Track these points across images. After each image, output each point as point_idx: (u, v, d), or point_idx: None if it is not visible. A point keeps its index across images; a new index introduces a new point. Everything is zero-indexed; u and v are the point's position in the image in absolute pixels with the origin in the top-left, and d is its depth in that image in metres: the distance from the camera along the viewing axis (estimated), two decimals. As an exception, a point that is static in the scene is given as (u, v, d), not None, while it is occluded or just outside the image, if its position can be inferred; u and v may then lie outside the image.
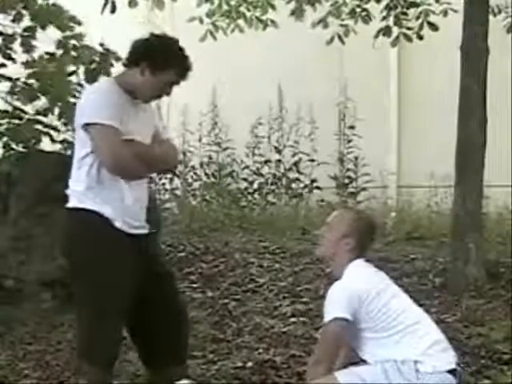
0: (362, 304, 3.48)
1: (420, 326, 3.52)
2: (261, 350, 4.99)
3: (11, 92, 6.32)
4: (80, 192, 3.74)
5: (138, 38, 3.84)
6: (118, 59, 6.05)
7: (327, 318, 3.51)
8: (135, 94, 3.81)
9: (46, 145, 6.45)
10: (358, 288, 3.51)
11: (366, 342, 3.52)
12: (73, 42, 6.44)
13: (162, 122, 4.12)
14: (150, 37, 3.85)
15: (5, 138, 6.26)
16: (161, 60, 3.75)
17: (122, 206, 3.72)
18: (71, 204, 3.78)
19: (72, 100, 6.27)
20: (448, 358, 3.48)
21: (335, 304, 3.50)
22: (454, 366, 3.46)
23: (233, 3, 7.84)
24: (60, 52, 6.44)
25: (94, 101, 3.73)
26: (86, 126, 3.68)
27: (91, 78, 6.18)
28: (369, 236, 3.73)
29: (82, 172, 3.73)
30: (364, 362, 3.54)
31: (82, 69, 6.38)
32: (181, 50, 3.83)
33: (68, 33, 6.42)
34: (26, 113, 6.38)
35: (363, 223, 3.72)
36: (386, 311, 3.49)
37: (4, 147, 6.31)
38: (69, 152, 6.31)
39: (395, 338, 3.47)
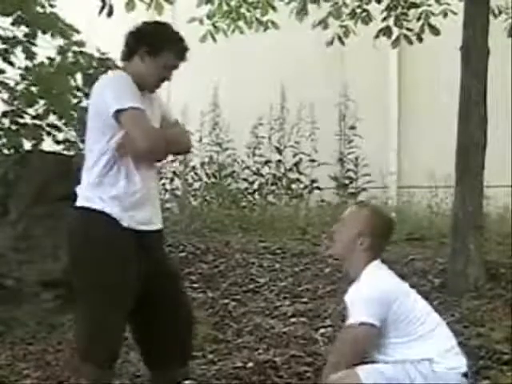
0: (391, 308, 3.39)
1: (438, 331, 3.50)
2: (261, 351, 4.99)
3: (11, 98, 6.34)
4: (89, 191, 3.73)
5: (130, 30, 3.85)
6: (115, 66, 6.07)
7: (353, 320, 3.40)
8: (139, 85, 3.80)
9: (46, 145, 6.46)
10: (388, 291, 3.44)
11: (387, 345, 3.44)
12: (74, 48, 6.47)
13: (167, 107, 4.12)
14: (142, 24, 3.87)
15: (4, 140, 6.29)
16: (157, 42, 3.77)
17: (134, 201, 3.72)
18: (79, 203, 3.77)
19: (73, 101, 6.30)
20: (461, 362, 3.47)
21: (363, 307, 3.38)
22: (466, 369, 3.46)
23: (233, 4, 7.85)
24: (59, 58, 6.47)
25: (119, 88, 3.69)
26: (117, 113, 3.63)
27: (89, 82, 6.19)
28: (385, 235, 3.59)
29: (96, 171, 3.71)
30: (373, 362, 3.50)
31: (79, 74, 6.42)
32: (175, 32, 3.85)
33: (67, 40, 6.46)
34: (27, 113, 6.39)
35: (379, 221, 3.57)
36: (412, 315, 3.44)
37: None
38: (71, 152, 6.35)
39: (418, 341, 3.42)
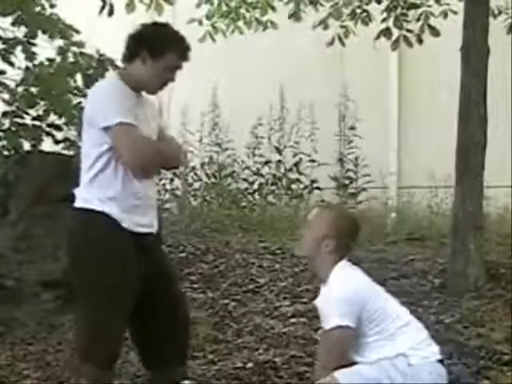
0: (365, 307, 3.43)
1: (410, 325, 3.53)
2: (261, 351, 4.99)
3: (12, 98, 6.35)
4: (87, 192, 3.72)
5: (131, 32, 3.84)
6: (114, 66, 6.07)
7: (329, 324, 3.45)
8: (142, 88, 3.80)
9: (45, 145, 6.46)
10: (359, 290, 3.47)
11: (364, 345, 3.48)
12: (73, 48, 6.47)
13: (163, 120, 4.11)
14: (142, 27, 3.85)
15: (4, 142, 6.29)
16: (159, 44, 3.76)
17: (132, 203, 3.71)
18: (77, 204, 3.76)
19: (73, 101, 6.31)
20: (434, 350, 3.51)
21: (336, 310, 3.43)
22: (440, 356, 3.50)
23: (232, 4, 7.85)
24: (59, 58, 6.47)
25: (109, 100, 3.69)
26: (107, 128, 3.64)
27: (89, 83, 6.19)
28: (350, 236, 3.61)
29: (93, 172, 3.71)
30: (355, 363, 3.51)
31: (79, 74, 6.41)
32: (175, 32, 3.84)
33: (67, 41, 6.46)
34: (27, 114, 6.39)
35: (343, 222, 3.60)
36: (385, 313, 3.47)
37: None
38: (71, 152, 6.35)
39: (392, 338, 3.46)
